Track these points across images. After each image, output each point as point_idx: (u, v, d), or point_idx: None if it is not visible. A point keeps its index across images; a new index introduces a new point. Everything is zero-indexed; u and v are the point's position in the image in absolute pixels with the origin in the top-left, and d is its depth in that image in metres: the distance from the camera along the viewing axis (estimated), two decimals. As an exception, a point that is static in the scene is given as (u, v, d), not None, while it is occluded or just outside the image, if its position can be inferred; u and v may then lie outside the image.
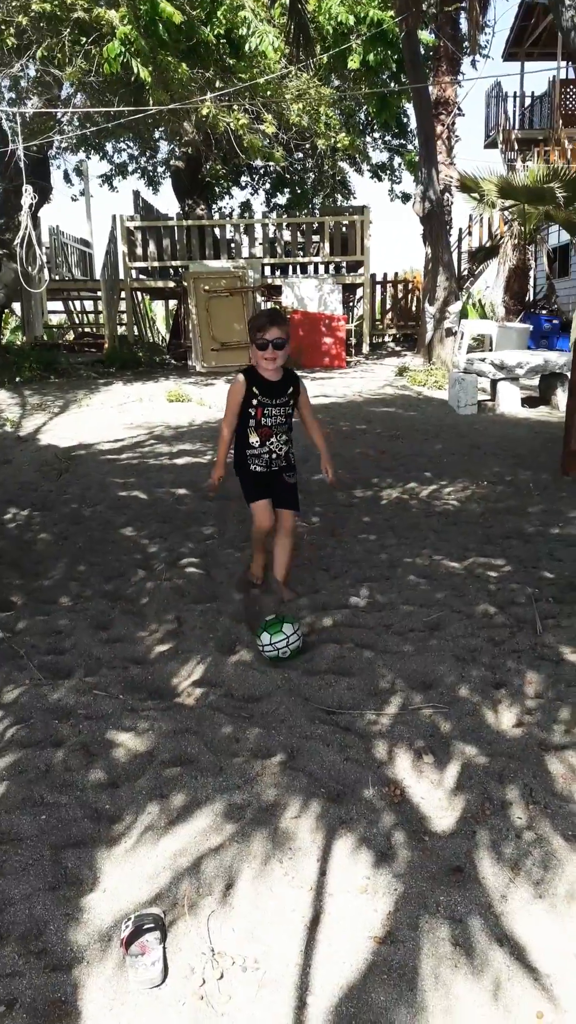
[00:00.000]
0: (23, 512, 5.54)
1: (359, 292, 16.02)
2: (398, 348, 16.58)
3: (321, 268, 15.35)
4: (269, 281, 14.65)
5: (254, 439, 3.68)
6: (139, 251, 14.61)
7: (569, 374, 9.62)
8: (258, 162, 16.47)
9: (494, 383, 9.95)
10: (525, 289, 17.28)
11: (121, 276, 14.71)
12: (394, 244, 48.76)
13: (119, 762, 2.56)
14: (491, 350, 12.53)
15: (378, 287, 17.17)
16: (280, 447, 3.73)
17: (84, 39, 8.79)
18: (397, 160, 17.72)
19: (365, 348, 15.56)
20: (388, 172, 17.90)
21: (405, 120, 16.31)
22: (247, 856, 2.12)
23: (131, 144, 17.17)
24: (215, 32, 10.07)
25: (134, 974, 1.77)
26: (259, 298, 13.94)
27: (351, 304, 17.17)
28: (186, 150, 15.04)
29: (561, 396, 9.84)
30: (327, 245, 14.92)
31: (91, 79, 9.50)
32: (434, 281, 13.04)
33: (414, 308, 17.44)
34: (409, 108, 15.25)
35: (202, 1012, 1.70)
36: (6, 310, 15.46)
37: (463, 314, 13.73)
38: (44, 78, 10.16)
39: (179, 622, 3.61)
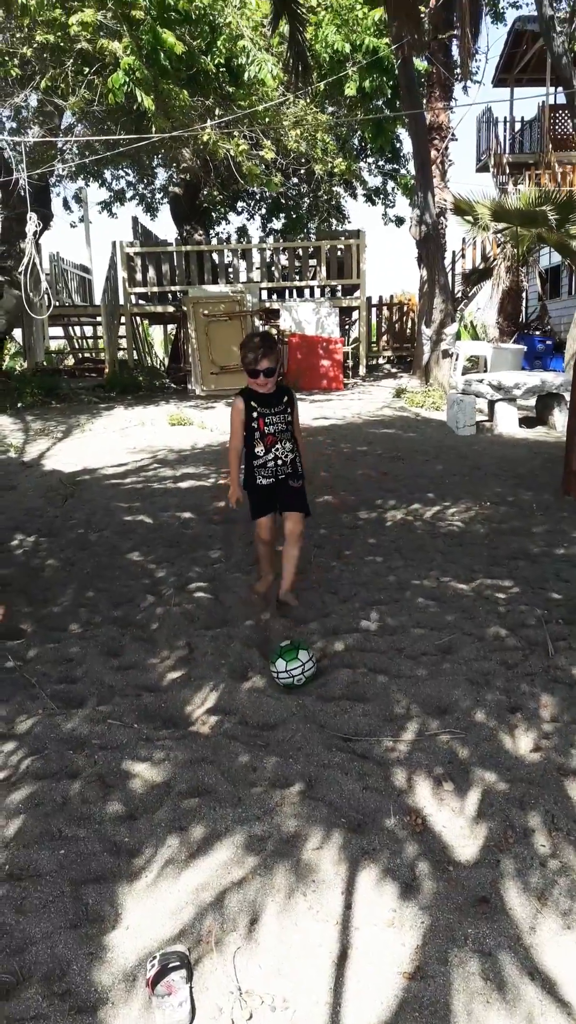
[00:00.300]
0: (30, 538, 5.52)
1: (354, 315, 16.14)
2: (394, 370, 16.68)
3: (318, 292, 15.49)
4: (267, 305, 14.76)
5: (259, 448, 3.91)
6: (139, 276, 14.72)
7: (566, 394, 9.71)
8: (254, 187, 16.65)
9: (492, 404, 9.99)
10: (519, 310, 17.43)
11: (121, 301, 14.81)
12: (387, 266, 49.29)
13: (136, 793, 2.53)
14: (486, 371, 12.62)
15: (373, 310, 17.31)
16: (285, 454, 3.94)
17: (87, 69, 8.91)
18: (391, 184, 17.92)
19: (362, 370, 15.65)
20: (382, 196, 18.10)
21: (398, 145, 16.53)
22: (270, 889, 2.10)
23: (129, 171, 17.36)
24: (215, 61, 10.23)
25: (161, 1016, 1.73)
26: (257, 322, 14.03)
27: (347, 327, 17.30)
28: (184, 176, 15.21)
29: (558, 416, 9.89)
30: (323, 269, 15.06)
31: (94, 108, 9.63)
32: (430, 303, 13.14)
33: (409, 330, 17.58)
34: (402, 133, 15.48)
35: (232, 1053, 1.67)
36: (6, 336, 15.52)
37: (457, 336, 13.83)
38: (46, 107, 10.29)
39: (190, 648, 3.59)
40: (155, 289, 14.73)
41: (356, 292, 15.26)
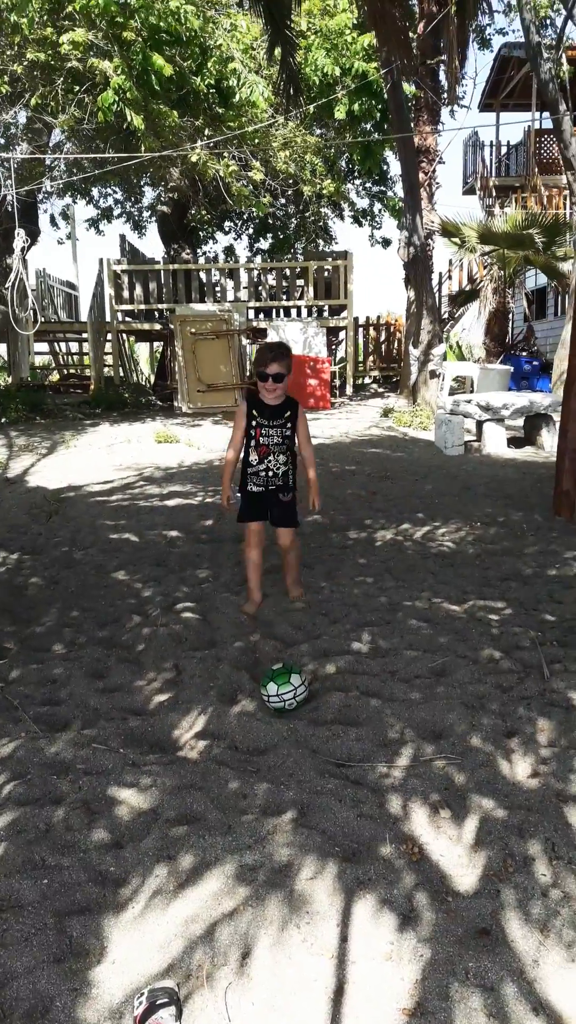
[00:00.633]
0: (13, 556, 5.43)
1: (341, 335, 16.22)
2: (381, 389, 16.74)
3: (305, 312, 15.55)
4: (254, 324, 14.79)
5: (253, 457, 4.06)
6: (126, 294, 14.74)
7: (555, 415, 9.75)
8: (243, 208, 16.74)
9: (480, 424, 10.02)
10: (505, 331, 17.59)
11: (108, 318, 14.80)
12: (373, 286, 49.73)
13: (122, 821, 2.45)
14: (472, 391, 12.68)
15: (360, 330, 17.40)
16: (278, 467, 4.07)
17: (77, 88, 8.94)
18: (378, 206, 18.08)
19: (349, 389, 15.70)
20: (369, 218, 18.25)
21: (386, 167, 16.70)
22: (263, 922, 2.02)
23: (116, 189, 17.41)
24: (205, 82, 10.30)
25: (150, 1056, 1.65)
26: (244, 340, 14.05)
27: (333, 347, 17.37)
28: (173, 195, 15.27)
29: (546, 436, 9.94)
30: (311, 289, 15.13)
31: (84, 127, 9.65)
32: (418, 324, 13.22)
33: (396, 350, 17.68)
34: (389, 156, 15.64)
35: None
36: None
37: (443, 356, 13.92)
38: (35, 124, 10.31)
39: (178, 670, 3.51)
40: (142, 307, 14.74)
41: (343, 312, 15.34)
